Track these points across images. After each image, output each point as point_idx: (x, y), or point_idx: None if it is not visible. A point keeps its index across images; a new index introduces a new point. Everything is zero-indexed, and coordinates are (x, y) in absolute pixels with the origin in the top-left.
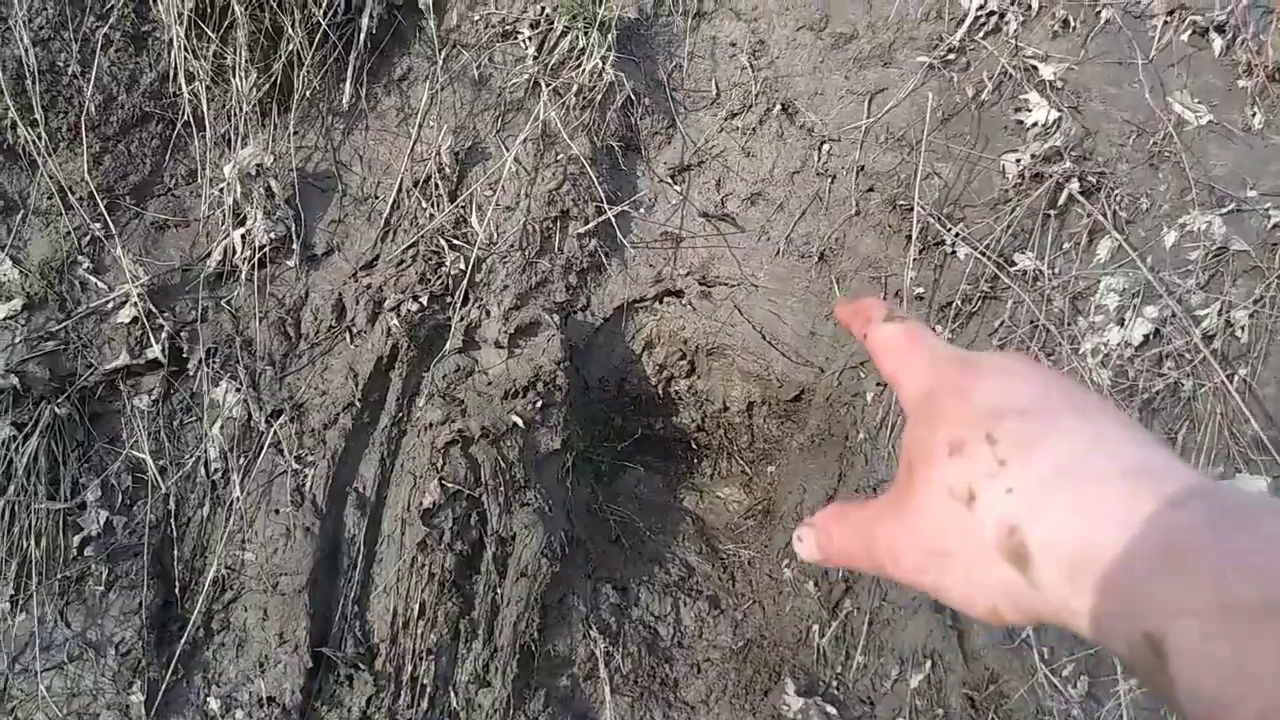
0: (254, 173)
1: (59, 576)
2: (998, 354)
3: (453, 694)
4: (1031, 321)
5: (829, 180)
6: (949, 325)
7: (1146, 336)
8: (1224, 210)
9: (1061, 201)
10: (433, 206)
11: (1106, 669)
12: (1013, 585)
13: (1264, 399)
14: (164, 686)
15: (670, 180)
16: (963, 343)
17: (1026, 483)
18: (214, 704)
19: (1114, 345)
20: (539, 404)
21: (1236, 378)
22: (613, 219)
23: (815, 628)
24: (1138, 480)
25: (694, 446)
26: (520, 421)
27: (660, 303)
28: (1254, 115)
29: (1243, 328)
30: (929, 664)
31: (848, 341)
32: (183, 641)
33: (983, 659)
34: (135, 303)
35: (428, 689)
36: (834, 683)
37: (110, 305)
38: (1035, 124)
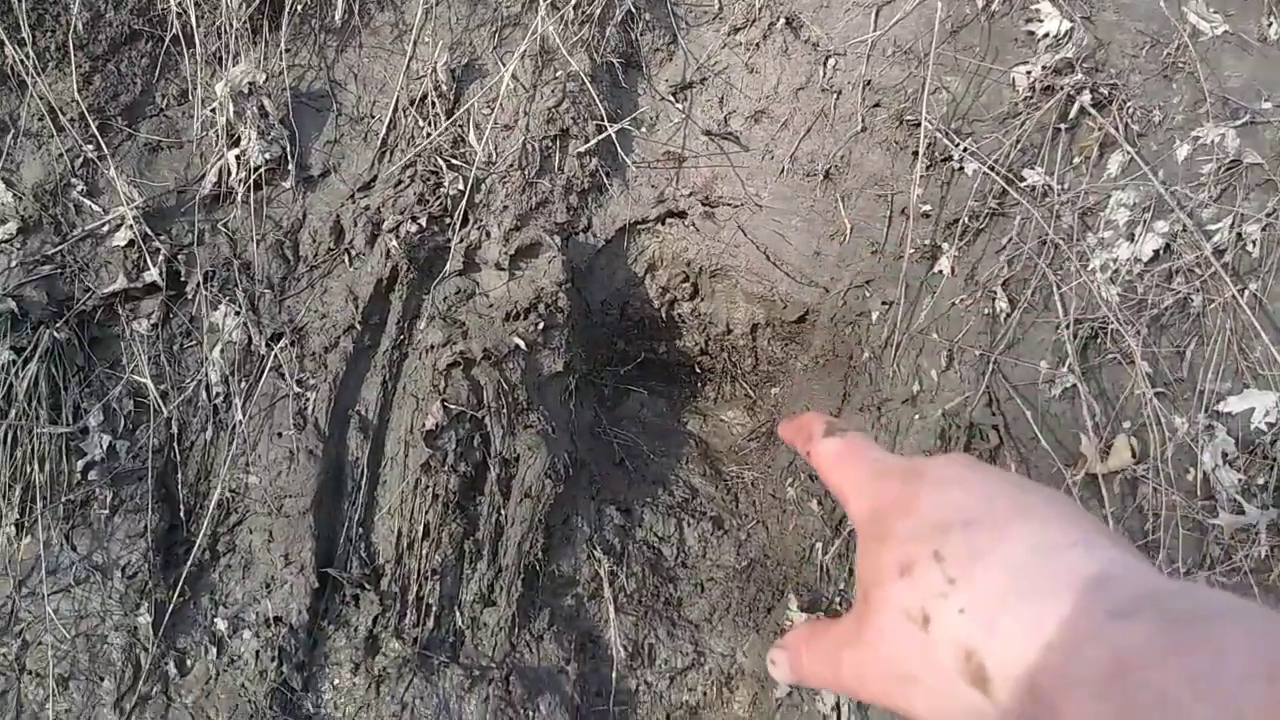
0: (246, 91)
1: (63, 500)
2: (941, 459)
3: (458, 613)
4: (1040, 238)
5: (834, 96)
6: (956, 243)
7: (1156, 251)
8: (1238, 123)
9: (1072, 115)
10: (430, 125)
11: None
12: (978, 707)
13: (1274, 314)
14: (171, 608)
15: (672, 98)
16: (969, 262)
17: (977, 602)
18: (221, 624)
19: (1123, 261)
20: (541, 326)
21: (1247, 292)
22: (614, 137)
23: (818, 545)
24: (1088, 592)
25: (697, 370)
26: (522, 343)
27: (663, 224)
28: (1270, 25)
29: (1254, 242)
30: None
31: (853, 261)
32: (189, 564)
33: None
34: (131, 225)
35: (433, 608)
36: (837, 599)
37: (105, 228)
38: (1046, 35)
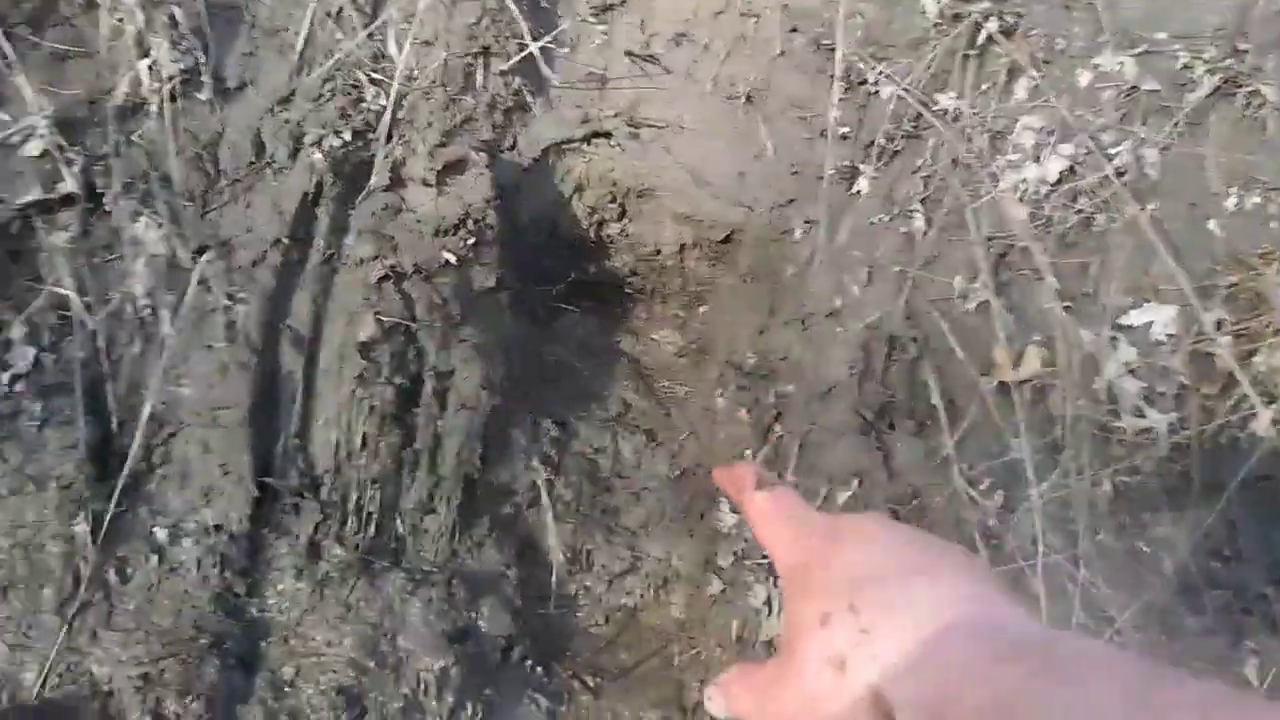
0: (155, 0)
1: None
2: (858, 518)
3: (399, 520)
4: (953, 159)
5: (753, 20)
6: (874, 164)
7: (1062, 173)
8: (1135, 51)
9: (981, 41)
10: (347, 38)
11: (1021, 483)
12: None
13: (1172, 233)
14: (108, 518)
15: (594, 19)
16: (886, 182)
17: (887, 650)
18: (161, 534)
19: (1031, 181)
20: (471, 242)
21: (1147, 212)
22: (537, 56)
23: (747, 453)
24: (977, 640)
25: (628, 290)
26: (453, 258)
27: (589, 144)
28: None
29: (1153, 165)
30: (856, 481)
31: (776, 182)
32: (124, 475)
33: (906, 475)
34: (42, 134)
35: (374, 516)
36: None
37: (16, 138)
38: None
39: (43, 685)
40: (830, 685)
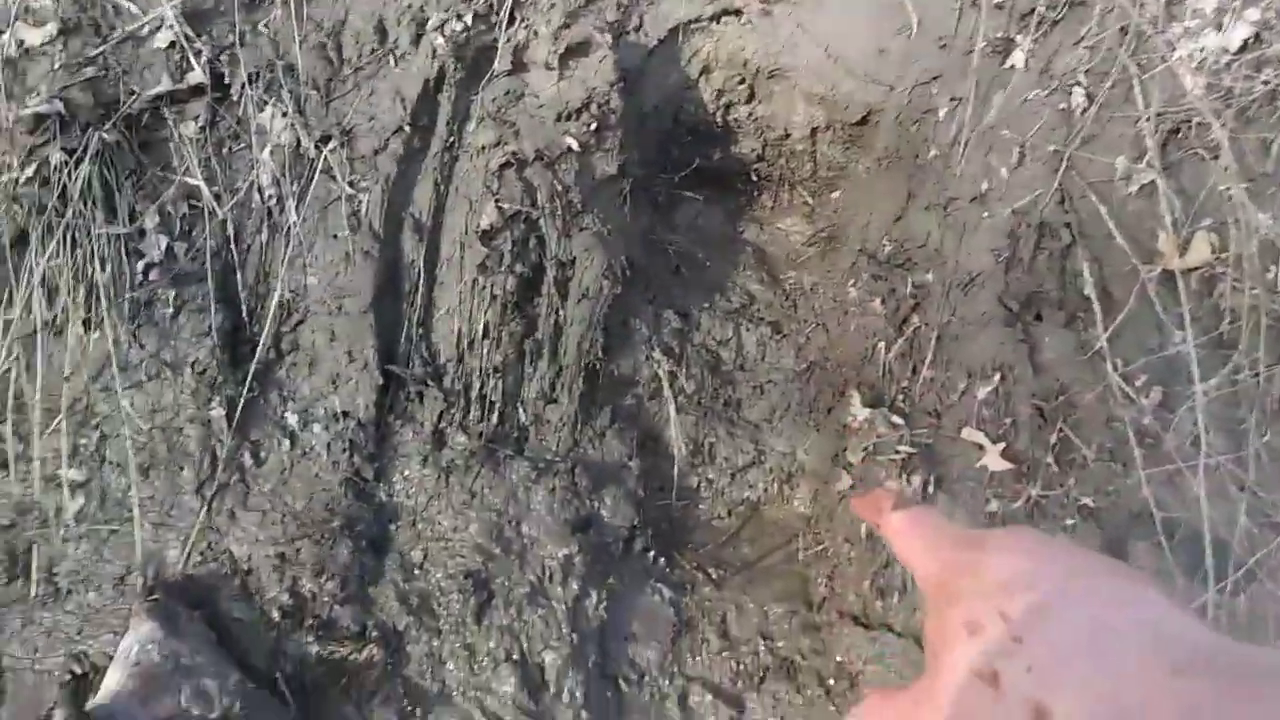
0: None
1: (127, 299)
2: (1002, 530)
3: (521, 410)
4: (1122, 27)
5: None
6: (1032, 34)
7: (1246, 41)
8: None
9: None
10: None
11: (1183, 377)
12: None
13: None
14: (241, 403)
15: None
16: (1044, 54)
17: (1043, 659)
18: (291, 419)
19: (1211, 50)
20: (593, 127)
21: None
22: None
23: (881, 345)
24: (1149, 650)
25: (754, 178)
26: (575, 144)
27: (717, 23)
28: None
29: None
30: (998, 376)
31: (920, 57)
32: (255, 361)
33: (1053, 370)
34: (171, 26)
35: (496, 405)
36: (899, 396)
37: (145, 30)
38: None
39: (185, 561)
40: (982, 702)
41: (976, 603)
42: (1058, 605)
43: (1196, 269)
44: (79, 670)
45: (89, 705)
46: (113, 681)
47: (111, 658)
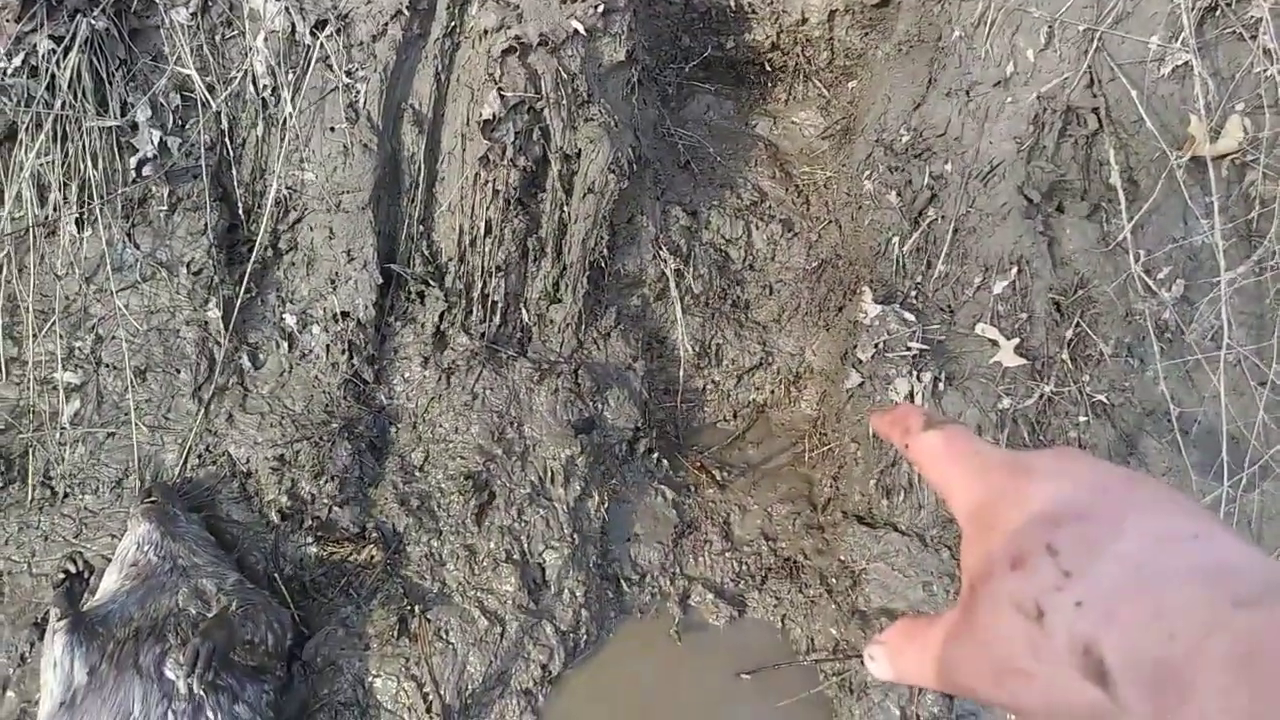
0: None
1: (120, 196)
2: (1048, 453)
3: (524, 310)
4: None
5: None
6: None
7: None
8: None
9: None
10: None
11: (1207, 270)
12: (1098, 706)
13: None
14: (239, 303)
15: None
16: None
17: (1095, 595)
18: (290, 320)
19: None
20: (600, 9)
21: None
22: None
23: (895, 240)
24: (1211, 582)
25: (767, 69)
26: (581, 28)
27: None
28: None
29: None
30: (1015, 270)
31: None
32: (252, 261)
33: (1073, 263)
34: None
35: (499, 305)
36: (913, 292)
37: None
38: None
39: (184, 464)
40: (1025, 639)
41: (1021, 533)
42: (1110, 540)
43: (1227, 155)
44: (74, 569)
45: (86, 605)
46: (110, 582)
47: (109, 560)
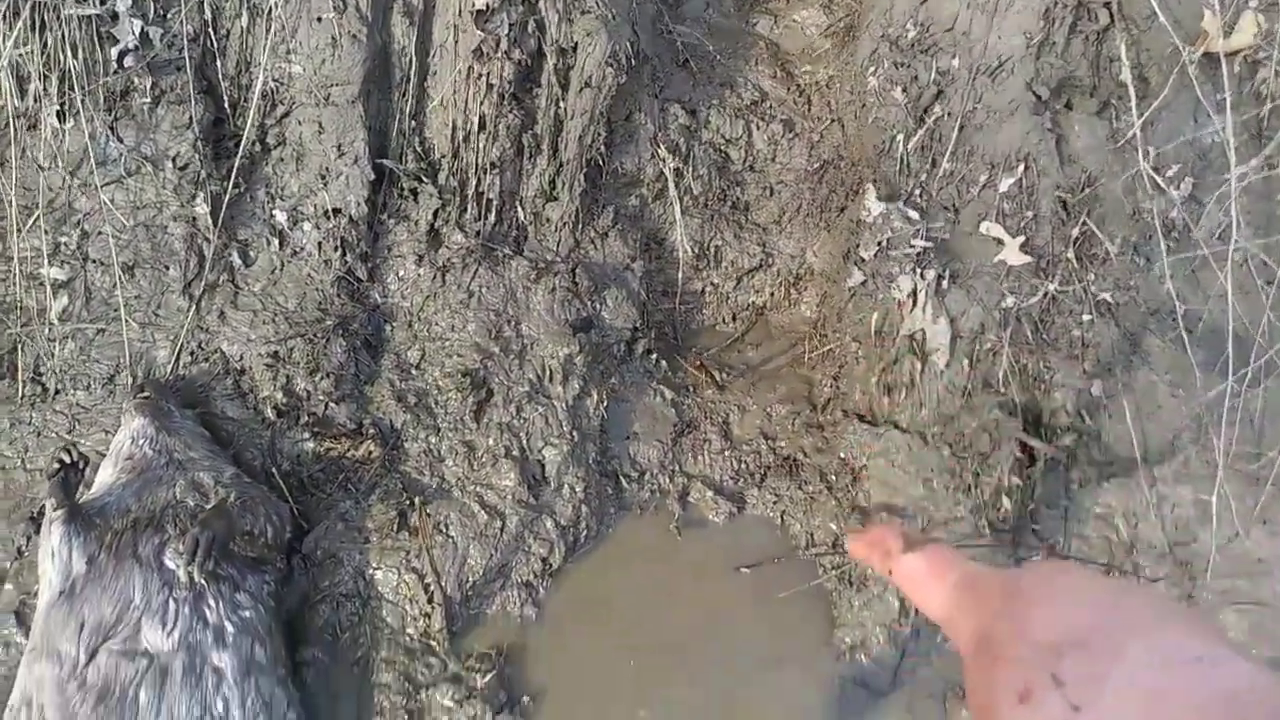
0: None
1: (102, 87)
2: (1039, 570)
3: (520, 208)
4: None
5: None
6: None
7: None
8: None
9: None
10: None
11: (1216, 168)
12: None
13: None
14: (227, 199)
15: None
16: None
17: None
18: (280, 216)
19: None
20: None
21: None
22: None
23: (900, 137)
24: (1220, 713)
25: None
26: None
27: None
28: None
29: None
30: (1021, 167)
31: None
32: (239, 156)
33: (1081, 161)
34: None
35: (494, 203)
36: (917, 191)
37: None
38: None
39: (176, 361)
40: None
41: (1026, 664)
42: (1117, 669)
43: (1240, 51)
44: (68, 460)
45: (82, 499)
46: (105, 476)
47: (103, 455)
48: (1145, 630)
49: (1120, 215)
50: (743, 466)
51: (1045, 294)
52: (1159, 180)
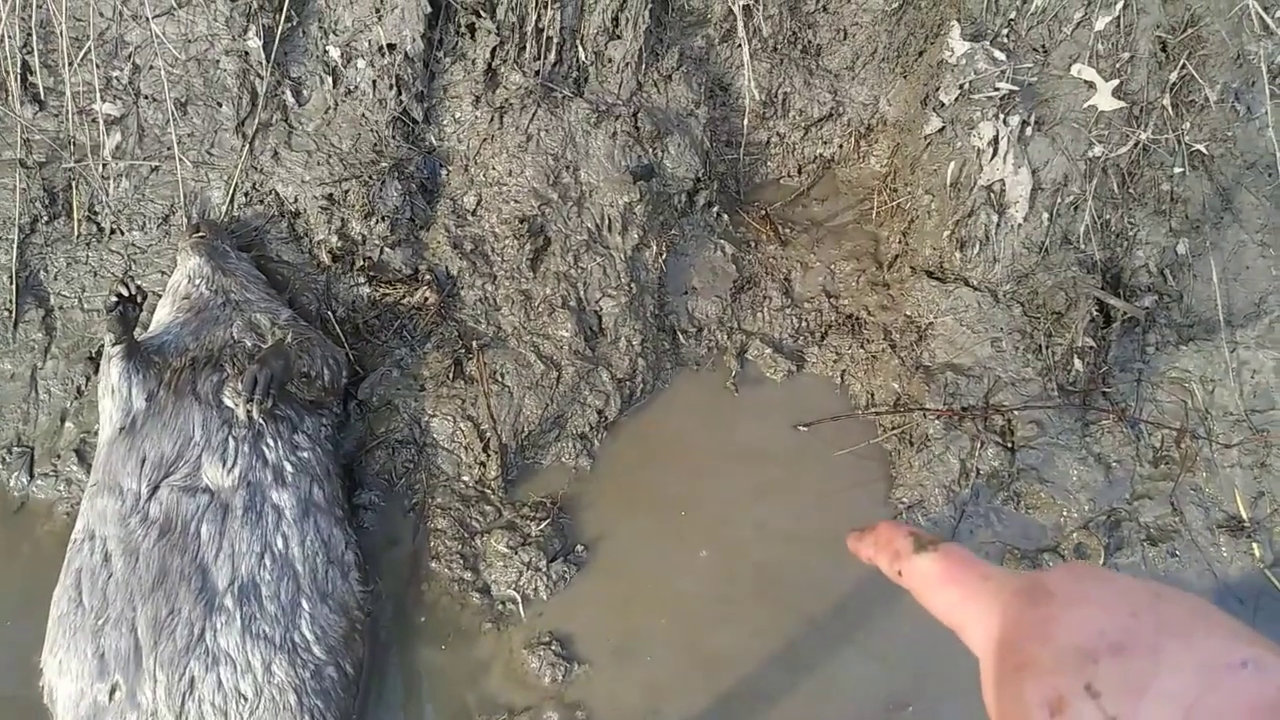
0: None
1: None
2: (1061, 572)
3: (581, 47)
4: None
5: None
6: None
7: None
8: None
9: None
10: None
11: None
12: None
13: None
14: (279, 33)
15: None
16: None
17: None
18: (334, 52)
19: None
20: None
21: None
22: None
23: None
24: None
25: None
26: None
27: None
28: None
29: None
30: (1120, 4)
31: None
32: None
33: None
34: None
35: (554, 40)
36: (1004, 30)
37: None
38: None
39: (230, 202)
40: None
41: (1056, 674)
42: (1154, 676)
43: None
44: (126, 292)
45: (140, 337)
46: (163, 314)
47: (159, 295)
48: (1185, 634)
49: (1223, 59)
50: (803, 324)
51: (1136, 143)
52: (1269, 20)
